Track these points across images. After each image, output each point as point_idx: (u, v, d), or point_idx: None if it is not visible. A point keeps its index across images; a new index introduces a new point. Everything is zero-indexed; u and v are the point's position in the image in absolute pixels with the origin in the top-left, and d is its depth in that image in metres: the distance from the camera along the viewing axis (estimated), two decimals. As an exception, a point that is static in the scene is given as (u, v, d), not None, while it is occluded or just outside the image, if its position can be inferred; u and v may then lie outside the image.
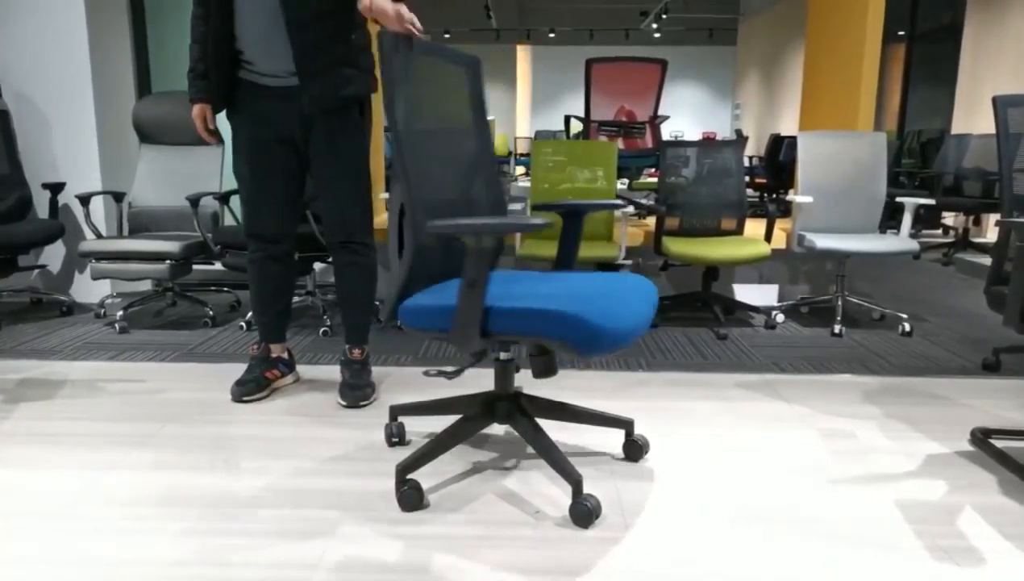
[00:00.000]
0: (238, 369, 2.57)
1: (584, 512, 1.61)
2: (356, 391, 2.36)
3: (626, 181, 6.01)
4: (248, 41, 2.19)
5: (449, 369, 2.01)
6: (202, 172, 3.60)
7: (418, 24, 1.79)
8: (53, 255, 3.93)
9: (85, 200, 3.54)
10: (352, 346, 2.46)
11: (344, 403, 2.34)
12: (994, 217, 6.28)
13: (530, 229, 1.47)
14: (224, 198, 3.47)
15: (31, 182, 3.75)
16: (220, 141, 2.39)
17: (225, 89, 2.26)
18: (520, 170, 10.38)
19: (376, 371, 2.71)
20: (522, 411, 1.83)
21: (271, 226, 2.35)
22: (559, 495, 1.75)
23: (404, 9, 1.81)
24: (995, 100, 2.03)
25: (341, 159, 2.27)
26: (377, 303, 3.73)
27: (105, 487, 1.79)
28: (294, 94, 2.21)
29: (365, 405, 2.35)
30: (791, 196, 3.56)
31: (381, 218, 4.60)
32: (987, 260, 4.57)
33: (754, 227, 3.75)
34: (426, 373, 2.45)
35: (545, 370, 1.65)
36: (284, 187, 2.33)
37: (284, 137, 2.27)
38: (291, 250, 2.42)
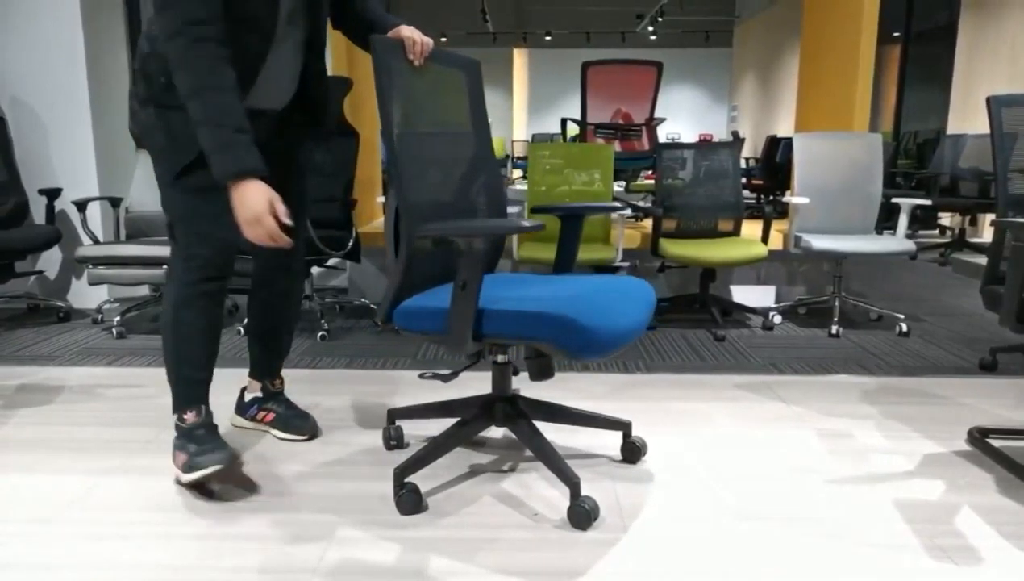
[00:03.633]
0: (235, 374, 2.56)
1: (582, 514, 1.61)
2: (306, 419, 2.15)
3: (623, 183, 6.02)
4: (268, 73, 1.83)
5: (445, 371, 1.98)
6: (199, 177, 3.60)
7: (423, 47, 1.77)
8: (50, 261, 3.92)
9: (82, 206, 3.54)
10: (276, 377, 2.20)
11: (305, 436, 2.12)
12: (990, 217, 6.29)
13: (523, 231, 1.48)
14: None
15: (28, 188, 3.75)
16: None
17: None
18: (517, 173, 10.39)
19: (374, 374, 2.71)
20: (520, 413, 1.83)
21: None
22: (557, 497, 1.75)
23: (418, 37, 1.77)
24: (989, 100, 2.03)
25: (307, 185, 2.11)
26: (374, 306, 3.73)
27: (103, 492, 1.78)
28: (277, 120, 1.94)
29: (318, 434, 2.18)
30: (788, 197, 3.57)
31: (379, 221, 4.60)
32: (983, 260, 4.58)
33: (751, 228, 3.76)
34: (422, 376, 2.39)
35: (541, 372, 1.65)
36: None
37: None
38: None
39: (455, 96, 1.92)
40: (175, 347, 1.82)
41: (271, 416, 2.16)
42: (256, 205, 1.59)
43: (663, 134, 13.82)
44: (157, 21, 1.59)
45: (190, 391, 1.85)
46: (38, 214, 3.75)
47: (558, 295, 1.59)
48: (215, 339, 1.86)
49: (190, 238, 1.78)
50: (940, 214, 6.86)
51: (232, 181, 1.59)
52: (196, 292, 1.80)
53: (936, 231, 7.02)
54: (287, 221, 1.63)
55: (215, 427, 1.87)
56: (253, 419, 2.19)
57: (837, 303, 3.45)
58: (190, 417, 1.84)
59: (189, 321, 1.80)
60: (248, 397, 2.20)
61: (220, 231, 1.77)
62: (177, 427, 1.84)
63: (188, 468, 1.76)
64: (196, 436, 1.82)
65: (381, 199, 3.60)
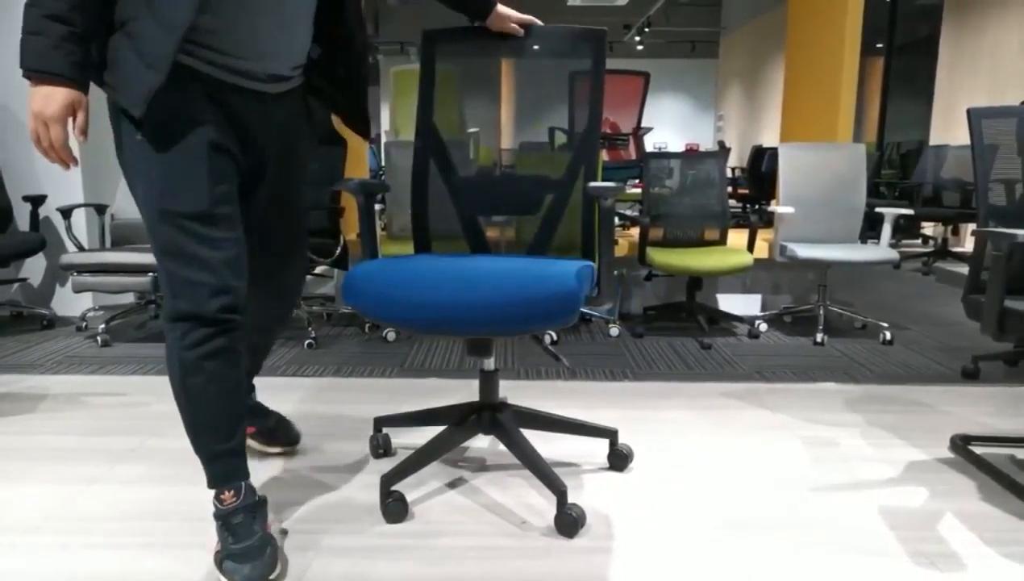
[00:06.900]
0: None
1: (569, 522, 1.61)
2: (288, 427, 2.06)
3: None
4: (236, 21, 1.42)
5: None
6: (185, 184, 3.58)
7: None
8: (34, 268, 3.89)
9: (67, 213, 3.52)
10: (251, 387, 1.98)
11: (291, 447, 2.06)
12: (972, 227, 6.36)
13: (341, 188, 1.63)
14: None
15: (12, 194, 3.72)
16: (75, 163, 1.41)
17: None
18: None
19: (361, 382, 2.70)
20: (506, 421, 1.83)
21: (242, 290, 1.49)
22: (544, 505, 1.75)
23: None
24: (970, 112, 2.06)
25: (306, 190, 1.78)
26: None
27: (87, 501, 1.77)
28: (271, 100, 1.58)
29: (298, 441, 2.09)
30: (773, 206, 3.60)
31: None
32: (966, 269, 4.64)
33: (737, 237, 3.78)
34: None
35: (472, 348, 1.76)
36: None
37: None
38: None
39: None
40: (192, 420, 1.49)
41: (251, 430, 2.00)
42: (51, 107, 1.29)
43: (650, 143, 13.89)
44: None
45: (223, 466, 1.51)
46: (22, 221, 3.72)
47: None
48: (239, 399, 1.50)
49: (178, 290, 1.41)
50: (923, 224, 6.94)
51: (32, 79, 1.30)
52: (200, 354, 1.43)
53: (919, 240, 7.11)
54: (81, 138, 1.37)
55: (255, 509, 1.50)
56: None
57: (822, 311, 3.48)
58: (227, 497, 1.50)
59: (199, 390, 1.45)
60: None
61: (223, 279, 1.43)
62: (215, 505, 1.51)
63: (219, 566, 1.46)
64: (233, 526, 1.47)
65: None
